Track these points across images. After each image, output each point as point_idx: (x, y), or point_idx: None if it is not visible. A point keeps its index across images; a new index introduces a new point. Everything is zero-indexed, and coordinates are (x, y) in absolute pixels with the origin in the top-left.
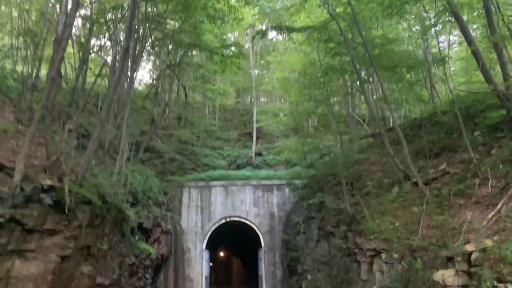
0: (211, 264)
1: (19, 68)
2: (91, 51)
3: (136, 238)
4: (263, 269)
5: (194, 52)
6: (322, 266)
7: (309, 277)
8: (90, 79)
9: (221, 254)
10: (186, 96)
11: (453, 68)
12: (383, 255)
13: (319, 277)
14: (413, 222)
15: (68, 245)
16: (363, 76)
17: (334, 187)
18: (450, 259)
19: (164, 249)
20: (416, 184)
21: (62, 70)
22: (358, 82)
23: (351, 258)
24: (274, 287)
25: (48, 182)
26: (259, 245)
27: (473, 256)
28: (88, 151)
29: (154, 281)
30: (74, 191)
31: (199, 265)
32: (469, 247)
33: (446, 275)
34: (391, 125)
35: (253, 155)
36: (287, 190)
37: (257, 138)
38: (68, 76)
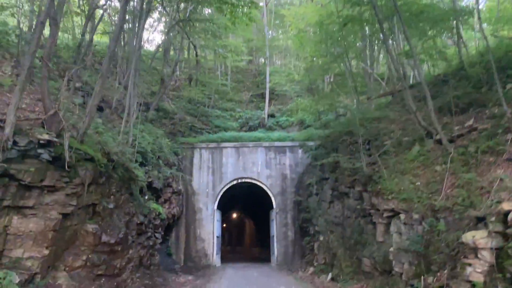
0: (224, 225)
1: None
2: (96, 6)
3: (146, 198)
4: (274, 230)
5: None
6: (335, 227)
7: (321, 238)
8: (100, 38)
9: (234, 215)
10: (196, 54)
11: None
12: (402, 216)
13: (332, 238)
14: (435, 181)
15: (70, 203)
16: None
17: (350, 146)
18: (480, 219)
19: (176, 209)
20: (439, 141)
21: (67, 26)
22: (380, 35)
23: (366, 220)
24: (286, 247)
25: (45, 136)
26: (271, 206)
27: (510, 216)
28: (90, 106)
29: (165, 241)
30: (74, 147)
31: (210, 225)
32: (506, 206)
33: (477, 236)
34: (411, 82)
35: (266, 116)
36: (299, 151)
37: (270, 99)
38: (73, 33)
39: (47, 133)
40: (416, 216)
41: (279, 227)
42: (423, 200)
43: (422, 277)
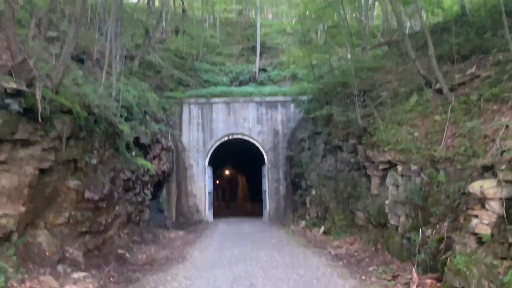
0: (217, 181)
1: None
2: None
3: (133, 154)
4: (267, 185)
5: None
6: (327, 181)
7: (313, 192)
8: None
9: (227, 172)
10: (182, 2)
11: None
12: (399, 168)
13: (324, 192)
14: (435, 131)
15: (47, 158)
16: None
17: (344, 99)
18: (487, 168)
19: (166, 165)
20: (439, 91)
21: None
22: None
23: (360, 173)
24: (278, 202)
25: (13, 85)
26: (263, 162)
27: None
28: (64, 53)
29: (156, 197)
30: (48, 97)
31: (201, 181)
32: None
33: (485, 186)
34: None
35: (257, 70)
36: (292, 106)
37: (261, 53)
38: None
39: (15, 82)
40: (414, 167)
41: (271, 183)
42: (422, 151)
43: (420, 229)
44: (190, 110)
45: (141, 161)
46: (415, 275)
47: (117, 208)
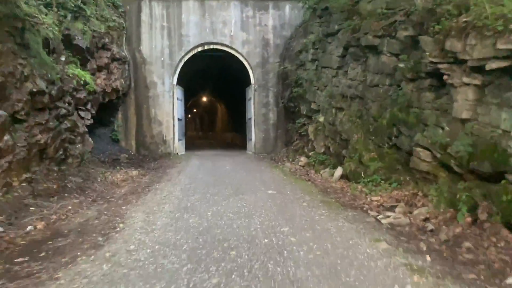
0: (194, 110)
1: None
2: None
3: (62, 59)
4: (252, 111)
5: None
6: (346, 102)
7: (320, 119)
8: None
9: (204, 99)
10: None
11: None
12: None
13: (341, 119)
14: None
15: None
16: None
17: None
18: None
19: (119, 82)
20: None
21: None
22: None
23: (420, 84)
24: (266, 132)
25: None
26: (248, 82)
27: None
28: None
29: (109, 123)
30: None
31: (169, 104)
32: None
33: None
34: None
35: None
36: (287, 8)
37: None
38: None
39: None
40: None
41: (258, 108)
42: None
43: None
44: (152, 9)
45: (73, 69)
46: None
47: (5, 138)
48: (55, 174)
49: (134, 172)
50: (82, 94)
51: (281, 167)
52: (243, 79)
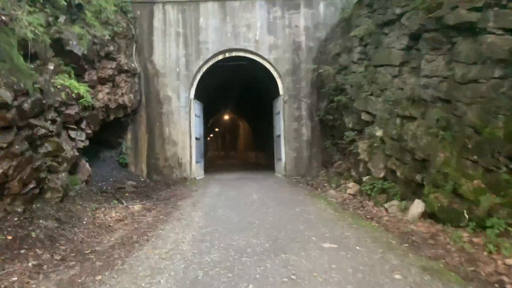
0: (216, 129)
1: None
2: None
3: (50, 67)
4: (281, 127)
5: None
6: (418, 108)
7: (378, 133)
8: None
9: (226, 117)
10: None
11: None
12: None
13: (414, 131)
14: None
15: None
16: None
17: None
18: None
19: (128, 97)
20: None
21: None
22: None
23: None
24: (299, 151)
25: None
26: (275, 94)
27: None
28: None
29: (116, 144)
30: None
31: (185, 122)
32: None
33: None
34: None
35: None
36: (322, 5)
37: None
38: None
39: None
40: None
41: (289, 123)
42: None
43: None
44: (166, 13)
45: (63, 80)
46: None
47: None
48: (16, 219)
49: (137, 207)
50: (73, 110)
51: (324, 196)
52: (270, 91)
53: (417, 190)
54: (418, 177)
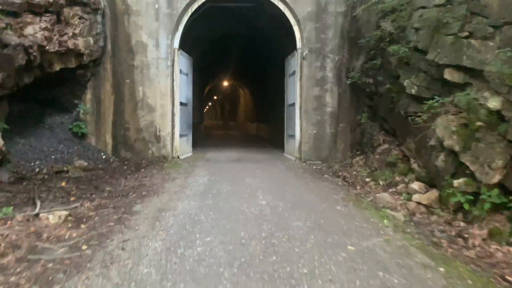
0: (214, 97)
1: None
2: None
3: None
4: (297, 92)
5: None
6: None
7: (491, 102)
8: None
9: (225, 83)
10: None
11: None
12: None
13: None
14: None
15: None
16: None
17: None
18: None
19: (83, 40)
20: None
21: None
22: None
23: None
24: (321, 126)
25: None
26: (289, 48)
27: None
28: None
29: (71, 107)
30: None
31: (165, 80)
32: None
33: None
34: None
35: None
36: None
37: None
38: None
39: None
40: None
41: (308, 87)
42: None
43: None
44: None
45: None
46: None
47: None
48: None
49: (57, 217)
50: None
51: (373, 203)
52: (281, 46)
53: None
54: None
